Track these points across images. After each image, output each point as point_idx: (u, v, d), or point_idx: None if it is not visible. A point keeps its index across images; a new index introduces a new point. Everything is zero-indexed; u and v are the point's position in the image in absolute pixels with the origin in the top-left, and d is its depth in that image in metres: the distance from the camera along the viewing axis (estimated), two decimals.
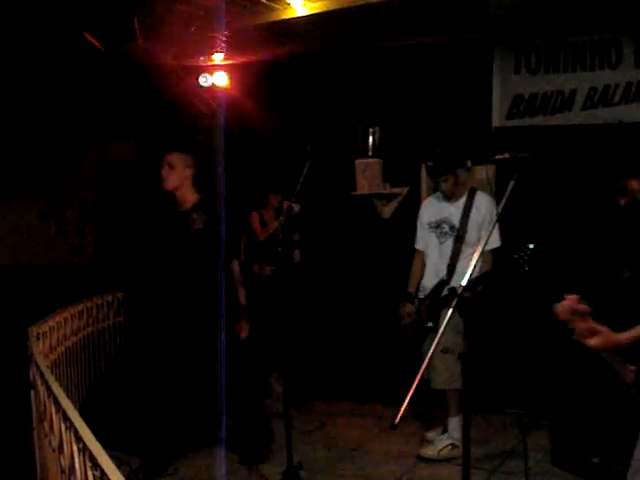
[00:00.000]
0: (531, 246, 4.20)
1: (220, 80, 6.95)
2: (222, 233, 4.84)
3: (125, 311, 6.26)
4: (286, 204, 6.15)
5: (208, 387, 4.85)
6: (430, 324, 4.93)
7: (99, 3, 5.52)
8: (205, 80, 6.92)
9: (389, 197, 6.59)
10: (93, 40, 5.96)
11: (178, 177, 4.94)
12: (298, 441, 4.97)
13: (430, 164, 4.94)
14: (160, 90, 7.22)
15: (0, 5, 5.32)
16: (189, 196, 4.99)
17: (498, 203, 2.90)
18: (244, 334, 5.08)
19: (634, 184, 3.00)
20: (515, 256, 4.10)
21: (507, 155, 2.91)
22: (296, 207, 5.87)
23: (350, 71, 6.57)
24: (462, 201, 5.01)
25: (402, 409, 2.47)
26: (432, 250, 5.13)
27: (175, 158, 4.94)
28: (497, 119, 6.04)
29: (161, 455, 4.85)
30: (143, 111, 7.72)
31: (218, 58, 6.70)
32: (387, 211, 6.64)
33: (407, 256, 5.40)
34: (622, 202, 3.09)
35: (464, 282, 2.70)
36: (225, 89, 7.06)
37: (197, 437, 5.33)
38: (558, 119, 5.82)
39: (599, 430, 4.37)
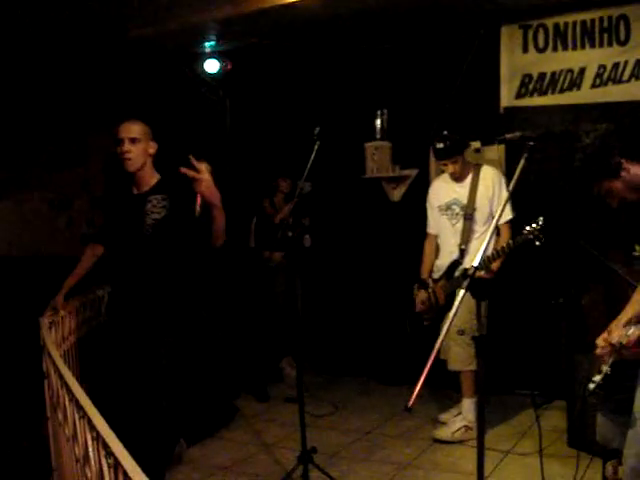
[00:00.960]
0: (540, 221, 4.21)
1: (226, 66, 6.91)
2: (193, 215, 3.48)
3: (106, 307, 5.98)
4: (300, 185, 6.13)
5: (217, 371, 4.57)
6: (428, 322, 4.97)
7: None
8: (212, 66, 6.89)
9: (398, 180, 6.57)
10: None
11: (142, 154, 3.94)
12: (311, 426, 4.98)
13: (440, 146, 4.88)
14: (167, 78, 7.22)
15: None
16: (149, 178, 4.01)
17: (509, 182, 2.88)
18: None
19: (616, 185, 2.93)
20: (525, 231, 4.11)
21: (517, 134, 2.89)
22: (307, 186, 5.87)
23: (358, 53, 6.52)
24: (469, 179, 4.99)
25: (416, 391, 2.46)
26: (445, 232, 5.12)
27: (138, 130, 3.94)
28: (506, 99, 5.99)
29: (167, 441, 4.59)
30: (151, 100, 7.71)
31: (224, 43, 6.67)
32: (397, 194, 6.62)
33: (417, 239, 5.38)
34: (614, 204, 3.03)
35: (476, 263, 2.67)
36: (232, 75, 7.03)
37: (211, 422, 5.35)
38: (567, 98, 5.77)
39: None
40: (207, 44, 6.72)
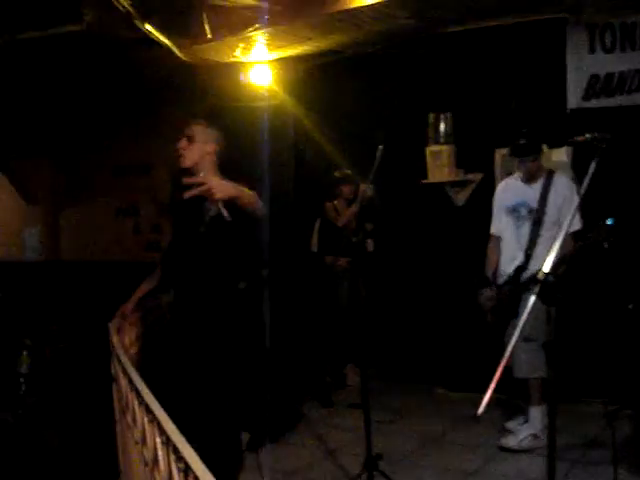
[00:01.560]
0: (609, 222, 4.10)
1: (284, 71, 6.96)
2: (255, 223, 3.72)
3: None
4: (362, 187, 6.14)
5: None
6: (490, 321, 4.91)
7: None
8: (264, 74, 6.92)
9: (462, 184, 6.50)
10: (165, 40, 6.01)
11: (197, 152, 4.08)
12: (376, 432, 4.93)
13: (521, 141, 4.79)
14: (229, 87, 7.28)
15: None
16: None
17: (580, 186, 2.81)
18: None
19: None
20: (593, 233, 4.00)
21: (588, 136, 2.83)
22: (369, 190, 5.86)
23: (421, 57, 6.49)
24: (540, 183, 4.89)
25: (486, 399, 2.42)
26: (509, 234, 5.04)
27: (195, 130, 4.11)
28: (573, 101, 5.88)
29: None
30: (215, 108, 7.79)
31: (286, 50, 6.70)
32: (461, 198, 6.55)
33: (482, 243, 5.32)
34: None
35: (546, 267, 2.62)
36: (291, 82, 7.07)
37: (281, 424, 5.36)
38: (636, 99, 5.63)
39: None
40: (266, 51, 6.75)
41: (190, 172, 4.04)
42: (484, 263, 5.22)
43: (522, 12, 5.74)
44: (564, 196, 4.79)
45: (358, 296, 4.98)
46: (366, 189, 5.98)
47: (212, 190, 3.33)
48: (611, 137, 2.79)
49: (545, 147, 5.04)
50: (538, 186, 4.89)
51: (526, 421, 4.99)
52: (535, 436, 4.85)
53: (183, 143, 4.07)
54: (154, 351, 5.32)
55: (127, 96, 8.15)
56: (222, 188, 3.39)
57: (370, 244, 6.61)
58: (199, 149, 4.08)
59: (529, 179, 4.92)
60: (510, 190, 5.08)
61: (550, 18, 5.78)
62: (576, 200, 4.62)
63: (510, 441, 4.95)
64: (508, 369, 4.80)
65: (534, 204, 4.88)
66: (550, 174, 4.90)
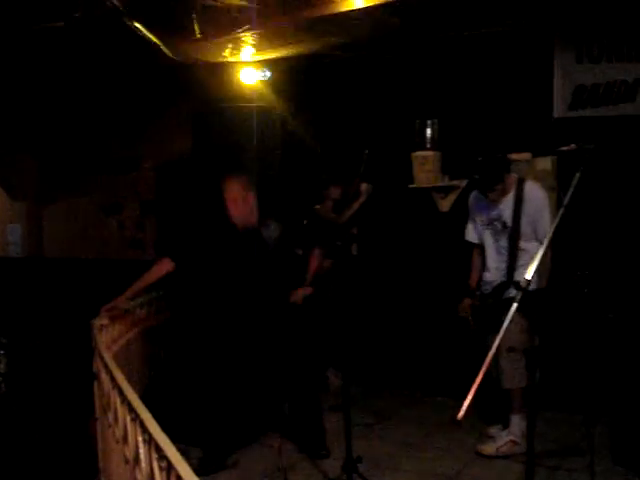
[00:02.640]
0: (588, 273, 4.10)
1: (274, 75, 6.95)
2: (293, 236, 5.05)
3: (179, 304, 6.26)
4: (364, 186, 6.19)
5: (268, 379, 4.91)
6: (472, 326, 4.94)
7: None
8: (264, 75, 6.92)
9: (447, 190, 6.52)
10: (154, 38, 6.00)
11: (242, 207, 4.87)
12: (356, 435, 4.94)
13: (476, 177, 4.76)
14: (216, 87, 7.27)
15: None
16: (254, 215, 4.95)
17: (564, 195, 2.83)
18: (296, 298, 5.12)
19: None
20: (575, 278, 4.00)
21: (573, 146, 2.85)
22: (370, 187, 6.02)
23: (408, 62, 6.51)
24: (511, 196, 4.78)
25: (466, 404, 2.45)
26: (488, 247, 5.01)
27: (232, 192, 4.88)
28: (559, 110, 5.91)
29: (220, 447, 4.90)
30: (201, 107, 7.78)
31: (274, 52, 6.70)
32: (446, 204, 6.57)
33: (466, 250, 5.34)
34: None
35: (529, 276, 2.64)
36: (279, 83, 7.06)
37: (257, 428, 5.37)
38: (622, 109, 5.68)
39: None
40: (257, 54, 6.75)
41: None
42: (467, 270, 5.23)
43: (512, 20, 5.77)
44: (537, 207, 4.71)
45: (341, 300, 4.98)
46: (368, 188, 6.07)
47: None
48: (596, 148, 2.82)
49: (529, 155, 5.04)
50: (509, 198, 4.79)
51: (506, 427, 5.02)
52: (514, 442, 4.87)
53: (229, 204, 4.88)
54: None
55: (113, 94, 8.13)
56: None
57: (354, 248, 6.63)
58: (243, 203, 4.90)
59: (499, 197, 4.85)
60: (482, 204, 4.98)
61: (538, 27, 5.81)
62: (548, 213, 4.66)
63: (488, 448, 4.96)
64: (488, 376, 4.84)
65: (508, 219, 4.79)
66: (520, 184, 4.79)
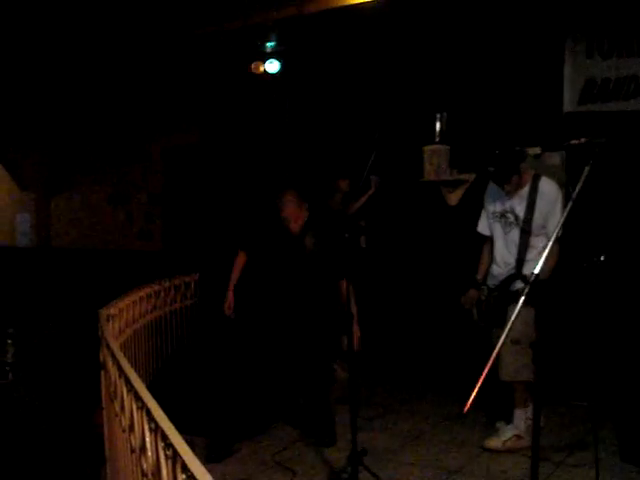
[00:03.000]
0: (600, 258, 4.07)
1: (286, 66, 6.94)
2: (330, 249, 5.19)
3: (200, 294, 6.39)
4: (373, 178, 6.21)
5: (280, 370, 4.99)
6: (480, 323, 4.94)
7: None
8: (272, 66, 6.92)
9: (456, 184, 6.52)
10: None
11: (300, 220, 5.28)
12: (361, 428, 4.96)
13: (492, 169, 4.75)
14: (226, 78, 7.28)
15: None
16: (300, 221, 5.30)
17: (572, 190, 2.82)
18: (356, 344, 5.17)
19: None
20: (585, 265, 3.98)
21: (583, 140, 2.84)
22: (378, 179, 6.08)
23: (418, 56, 6.50)
24: (526, 190, 4.80)
25: (472, 398, 2.44)
26: (498, 239, 5.02)
27: (290, 210, 5.24)
28: (568, 104, 5.91)
29: (228, 433, 4.96)
30: (208, 98, 7.79)
31: (284, 44, 6.71)
32: (454, 198, 6.57)
33: (474, 243, 5.33)
34: None
35: (536, 270, 2.64)
36: (291, 75, 7.06)
37: (268, 418, 5.40)
38: (632, 104, 5.66)
39: None
40: (269, 45, 6.76)
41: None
42: (475, 264, 5.23)
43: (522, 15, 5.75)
44: (550, 203, 4.71)
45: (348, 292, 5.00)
46: (377, 180, 6.08)
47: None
48: (606, 142, 2.81)
49: (538, 149, 5.03)
50: (524, 193, 4.80)
51: (510, 422, 5.01)
52: (519, 437, 4.87)
53: (286, 218, 5.29)
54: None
55: (122, 86, 8.14)
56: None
57: (363, 241, 6.63)
58: (297, 213, 5.30)
59: (515, 190, 4.88)
60: (497, 195, 5.00)
61: (549, 22, 5.79)
62: (559, 211, 4.65)
63: (493, 442, 4.96)
64: (494, 370, 4.83)
65: (521, 212, 4.80)
66: (535, 180, 4.80)
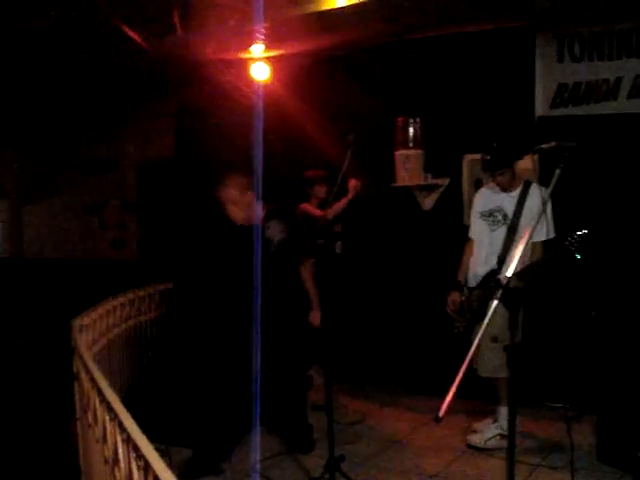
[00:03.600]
0: (581, 232, 4.13)
1: (260, 73, 6.91)
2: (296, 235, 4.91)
3: (169, 304, 6.31)
4: (353, 182, 6.17)
5: (253, 378, 4.89)
6: (458, 326, 4.96)
7: None
8: (256, 72, 6.88)
9: (430, 188, 6.54)
10: (133, 35, 5.97)
11: (243, 208, 4.74)
12: (339, 433, 4.96)
13: (487, 157, 4.85)
14: (200, 84, 7.25)
15: None
16: (256, 213, 4.81)
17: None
18: (316, 322, 5.09)
19: None
20: (566, 243, 4.04)
21: (554, 144, 2.87)
22: (359, 184, 6.11)
23: (391, 61, 6.51)
24: (517, 192, 4.95)
25: (447, 401, 2.44)
26: (483, 237, 5.09)
27: (230, 194, 4.74)
28: (540, 108, 5.94)
29: (212, 449, 4.84)
30: (183, 105, 7.76)
31: (258, 51, 6.68)
32: (428, 202, 6.59)
33: (448, 248, 5.35)
34: None
35: (509, 273, 2.65)
36: (265, 82, 7.04)
37: (242, 427, 5.35)
38: (603, 108, 5.70)
39: None
40: (246, 50, 6.73)
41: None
42: (454, 266, 5.25)
43: (493, 18, 5.77)
44: (539, 206, 4.79)
45: (324, 298, 4.99)
46: (357, 184, 6.06)
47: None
48: (576, 145, 2.83)
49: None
50: (515, 194, 4.94)
51: (494, 421, 5.03)
52: (502, 436, 4.88)
53: (229, 208, 4.74)
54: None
55: (95, 92, 8.08)
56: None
57: (339, 246, 6.61)
58: (242, 205, 4.73)
59: (505, 188, 4.97)
60: (487, 196, 5.12)
61: (520, 26, 5.82)
62: (547, 209, 4.71)
63: (476, 438, 5.01)
64: (473, 372, 4.85)
65: (510, 211, 4.93)
66: (527, 184, 4.94)
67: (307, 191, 6.66)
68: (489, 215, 5.06)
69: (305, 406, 5.27)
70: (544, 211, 4.71)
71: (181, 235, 5.19)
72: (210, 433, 4.84)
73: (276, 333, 4.85)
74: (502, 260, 4.89)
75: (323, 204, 6.55)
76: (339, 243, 6.55)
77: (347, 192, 6.20)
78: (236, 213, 4.75)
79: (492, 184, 5.11)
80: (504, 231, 4.94)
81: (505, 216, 4.95)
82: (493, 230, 5.01)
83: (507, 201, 4.97)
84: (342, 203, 6.31)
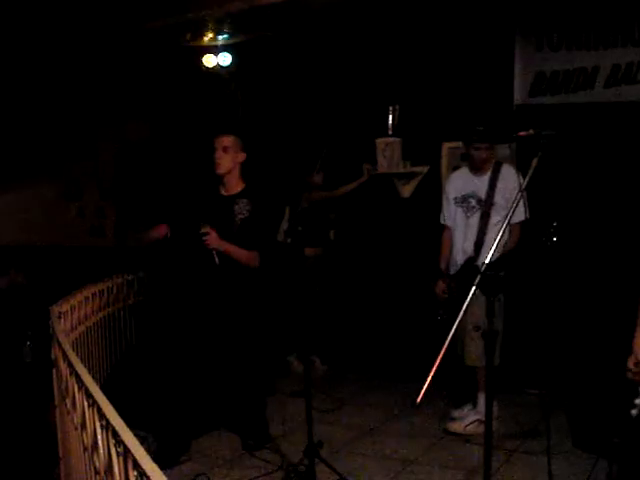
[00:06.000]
0: (554, 224, 4.17)
1: (239, 59, 6.90)
2: (266, 222, 4.93)
3: (147, 291, 6.28)
4: (367, 166, 6.20)
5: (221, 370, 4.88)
6: (441, 316, 4.98)
7: None
8: (224, 59, 6.87)
9: (409, 176, 6.55)
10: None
11: (231, 161, 4.84)
12: (318, 420, 4.97)
13: (480, 128, 4.88)
14: (180, 71, 7.22)
15: None
16: (236, 182, 4.92)
17: (522, 181, 2.87)
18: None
19: None
20: (543, 239, 4.06)
21: (531, 132, 2.88)
22: (372, 167, 6.27)
23: (370, 49, 6.50)
24: (488, 175, 4.96)
25: (425, 387, 2.46)
26: (459, 225, 5.11)
27: (229, 141, 4.83)
28: (519, 97, 5.97)
29: (179, 436, 4.86)
30: (159, 91, 7.71)
31: (231, 36, 6.66)
32: (407, 190, 6.61)
33: (428, 235, 5.37)
34: None
35: (487, 260, 2.67)
36: (244, 68, 7.02)
37: (209, 419, 5.35)
38: (580, 97, 5.74)
39: (621, 410, 4.34)
40: (220, 37, 6.71)
41: (221, 178, 4.87)
42: (433, 254, 5.27)
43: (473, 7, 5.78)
44: (511, 187, 4.81)
45: (305, 287, 5.00)
46: (370, 167, 6.07)
47: (210, 241, 4.59)
48: (553, 134, 2.85)
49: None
50: (486, 177, 4.96)
51: (474, 407, 5.07)
52: (480, 422, 4.91)
53: (219, 153, 4.79)
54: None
55: (73, 80, 8.01)
56: (217, 243, 4.63)
57: (332, 234, 6.66)
58: (233, 158, 4.84)
59: (478, 170, 4.98)
60: (460, 181, 5.14)
61: (500, 14, 5.83)
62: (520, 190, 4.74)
63: (455, 425, 5.06)
64: (451, 359, 4.87)
65: (482, 195, 4.95)
66: (497, 165, 4.97)
67: (307, 181, 6.59)
68: (463, 201, 5.07)
69: (261, 403, 5.18)
70: (521, 191, 4.80)
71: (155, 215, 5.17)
72: (170, 423, 4.83)
73: (231, 324, 4.83)
74: (479, 246, 4.92)
75: (325, 188, 6.56)
76: (333, 231, 6.60)
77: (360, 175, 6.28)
78: (224, 161, 4.81)
79: (463, 169, 5.13)
80: (478, 217, 4.97)
81: (479, 201, 4.97)
82: (469, 217, 5.02)
83: (479, 185, 4.98)
84: (353, 185, 6.35)
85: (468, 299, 2.63)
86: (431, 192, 6.28)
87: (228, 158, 4.82)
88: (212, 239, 4.64)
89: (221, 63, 6.95)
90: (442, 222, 5.24)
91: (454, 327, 2.64)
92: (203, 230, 4.62)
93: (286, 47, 6.78)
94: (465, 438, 4.94)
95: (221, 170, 4.83)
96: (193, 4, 5.96)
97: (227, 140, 4.83)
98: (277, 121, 7.11)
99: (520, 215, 4.54)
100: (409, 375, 6.03)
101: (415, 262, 5.98)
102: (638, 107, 5.45)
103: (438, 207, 5.32)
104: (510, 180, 4.84)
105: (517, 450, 4.73)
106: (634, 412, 2.99)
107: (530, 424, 5.15)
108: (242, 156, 4.89)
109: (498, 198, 4.89)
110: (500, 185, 4.90)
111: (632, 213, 5.30)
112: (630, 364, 2.92)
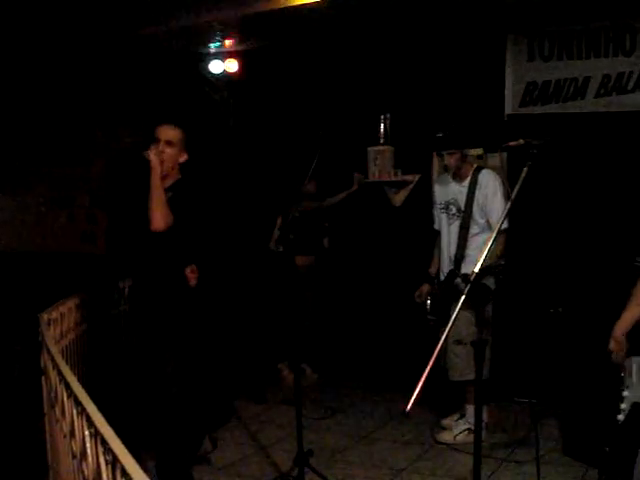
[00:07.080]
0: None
1: (231, 67, 6.90)
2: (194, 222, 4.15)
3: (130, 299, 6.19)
4: (357, 175, 6.21)
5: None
6: (431, 318, 4.97)
7: None
8: (216, 67, 6.88)
9: (400, 185, 6.57)
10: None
11: (174, 158, 4.13)
12: (308, 428, 4.97)
13: (439, 135, 4.86)
14: (172, 78, 7.21)
15: None
16: (170, 177, 4.19)
17: (511, 190, 2.87)
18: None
19: None
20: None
21: (521, 141, 2.89)
22: (362, 177, 6.27)
23: (362, 58, 6.52)
24: (467, 181, 4.93)
25: (414, 396, 2.46)
26: (443, 231, 5.12)
27: (174, 135, 4.14)
28: (510, 106, 6.00)
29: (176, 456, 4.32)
30: (152, 98, 7.70)
31: (228, 44, 6.67)
32: (398, 199, 6.62)
33: (419, 243, 5.37)
34: None
35: (477, 268, 2.67)
36: (236, 76, 7.02)
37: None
38: (571, 107, 5.77)
39: (611, 419, 4.35)
40: (212, 45, 6.71)
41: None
42: (424, 263, 5.27)
43: (464, 17, 5.81)
44: (486, 194, 4.83)
45: (296, 295, 5.00)
46: (360, 177, 6.08)
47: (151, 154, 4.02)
48: (543, 143, 2.86)
49: (480, 150, 5.10)
50: (466, 184, 4.94)
51: (461, 417, 5.08)
52: (470, 431, 4.92)
53: (161, 147, 4.08)
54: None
55: (65, 86, 8.01)
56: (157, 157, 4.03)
57: (326, 242, 6.68)
58: (175, 155, 4.14)
59: (457, 177, 4.97)
60: (443, 187, 5.14)
61: (491, 24, 5.86)
62: (499, 201, 4.74)
63: (446, 435, 5.05)
64: (441, 367, 4.88)
65: (462, 204, 4.94)
66: (476, 171, 4.93)
67: (301, 189, 6.56)
68: (445, 208, 5.07)
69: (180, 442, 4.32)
70: (495, 196, 4.80)
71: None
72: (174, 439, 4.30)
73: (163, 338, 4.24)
74: (458, 259, 4.89)
75: (314, 200, 6.56)
76: (326, 239, 6.62)
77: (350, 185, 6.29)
78: (169, 157, 4.11)
79: (447, 174, 5.14)
80: (458, 226, 4.95)
81: (459, 209, 4.96)
82: (450, 224, 5.03)
83: (459, 193, 4.97)
84: (341, 195, 6.35)
85: (457, 310, 2.63)
86: (422, 201, 6.29)
87: (172, 153, 4.11)
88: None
89: (213, 70, 6.95)
90: (435, 228, 5.25)
91: (443, 337, 2.64)
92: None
93: (278, 56, 6.79)
94: (455, 447, 4.94)
95: (163, 169, 4.09)
96: (184, 11, 5.96)
97: (173, 134, 4.13)
98: (268, 129, 7.11)
99: (505, 223, 4.55)
100: (400, 384, 6.04)
101: (407, 271, 5.98)
102: (629, 117, 5.48)
103: (429, 216, 5.33)
104: (488, 186, 4.85)
105: (507, 459, 4.73)
106: (620, 417, 3.00)
107: (520, 433, 5.16)
108: (184, 156, 4.18)
109: (475, 207, 4.87)
110: (477, 193, 4.87)
111: (622, 221, 5.33)
112: (610, 346, 2.96)
